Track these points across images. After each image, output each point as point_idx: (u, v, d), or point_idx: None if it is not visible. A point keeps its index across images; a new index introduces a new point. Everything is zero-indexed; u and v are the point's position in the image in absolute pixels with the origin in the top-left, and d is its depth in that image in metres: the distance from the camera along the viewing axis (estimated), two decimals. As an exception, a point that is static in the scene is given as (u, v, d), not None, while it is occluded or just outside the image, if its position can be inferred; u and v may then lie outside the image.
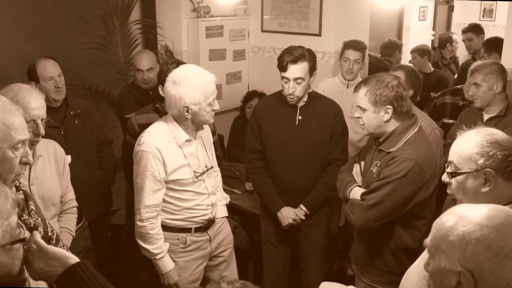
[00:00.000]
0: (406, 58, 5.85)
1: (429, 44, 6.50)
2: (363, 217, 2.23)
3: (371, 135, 2.35)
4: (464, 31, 5.23)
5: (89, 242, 2.75)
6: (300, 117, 2.80)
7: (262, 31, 4.55)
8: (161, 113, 2.73)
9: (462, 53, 5.83)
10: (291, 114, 2.81)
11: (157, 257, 2.42)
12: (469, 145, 1.57)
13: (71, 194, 2.47)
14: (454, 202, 1.67)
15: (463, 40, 5.25)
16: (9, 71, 3.42)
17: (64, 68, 2.94)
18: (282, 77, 2.72)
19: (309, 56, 2.70)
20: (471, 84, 2.95)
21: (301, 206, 2.88)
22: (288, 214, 2.88)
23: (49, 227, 1.84)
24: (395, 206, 2.17)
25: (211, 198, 2.55)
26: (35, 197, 2.04)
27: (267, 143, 2.89)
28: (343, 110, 2.96)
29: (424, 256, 1.53)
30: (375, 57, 4.93)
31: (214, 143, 2.76)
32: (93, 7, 4.13)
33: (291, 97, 2.73)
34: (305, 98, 2.80)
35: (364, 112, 2.25)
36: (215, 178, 2.68)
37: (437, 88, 4.30)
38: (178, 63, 2.65)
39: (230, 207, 3.01)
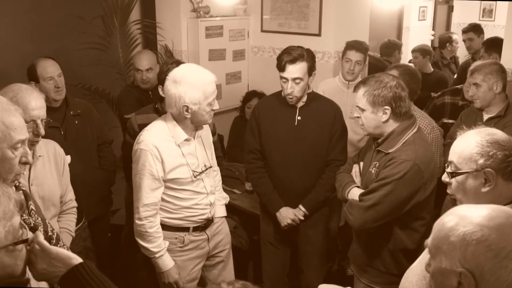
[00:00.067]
0: (405, 58, 5.86)
1: (429, 44, 6.50)
2: (361, 218, 2.23)
3: (371, 135, 2.35)
4: (464, 31, 5.23)
5: (89, 242, 2.75)
6: (299, 118, 2.80)
7: (262, 31, 4.55)
8: (161, 114, 2.73)
9: (462, 53, 5.83)
10: (290, 115, 2.81)
11: (157, 255, 2.42)
12: (469, 145, 1.57)
13: (70, 195, 2.46)
14: (453, 202, 1.68)
15: (464, 40, 5.25)
16: (9, 71, 3.42)
17: (64, 68, 2.94)
18: (281, 77, 2.73)
19: (308, 56, 2.70)
20: (471, 84, 2.95)
21: (300, 206, 2.88)
22: (287, 215, 2.88)
23: (49, 226, 1.84)
24: (393, 207, 2.17)
25: (210, 198, 2.55)
26: (34, 197, 2.04)
27: (267, 143, 2.89)
28: (344, 111, 2.96)
29: (424, 256, 1.53)
30: (374, 57, 4.93)
31: (214, 143, 2.76)
32: (93, 7, 4.12)
33: (290, 97, 2.74)
34: (305, 99, 2.80)
35: (363, 112, 2.25)
36: (214, 178, 2.68)
37: (437, 88, 4.30)
38: (178, 63, 2.65)
39: (230, 207, 3.01)
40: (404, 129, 2.22)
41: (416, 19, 7.22)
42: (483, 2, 7.43)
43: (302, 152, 2.82)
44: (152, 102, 3.10)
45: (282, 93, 2.78)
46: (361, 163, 2.44)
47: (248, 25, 4.65)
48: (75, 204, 2.49)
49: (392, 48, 5.28)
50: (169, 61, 2.90)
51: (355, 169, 2.46)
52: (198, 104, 2.28)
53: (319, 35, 4.11)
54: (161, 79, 2.59)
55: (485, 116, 2.95)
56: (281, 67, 2.70)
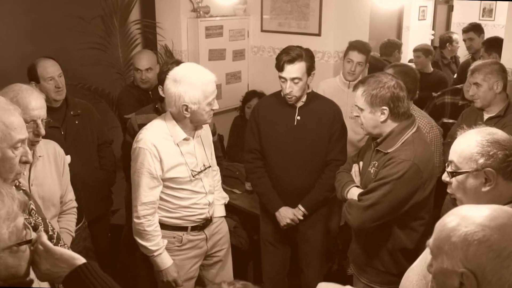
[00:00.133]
0: (405, 57, 5.85)
1: (429, 44, 6.50)
2: (359, 218, 2.23)
3: (370, 135, 2.35)
4: (465, 31, 5.22)
5: (88, 242, 2.76)
6: (298, 117, 2.80)
7: (262, 31, 4.55)
8: (161, 113, 2.73)
9: (462, 53, 5.83)
10: (290, 114, 2.81)
11: (155, 254, 2.42)
12: (470, 144, 1.57)
13: (70, 195, 2.46)
14: (454, 202, 1.68)
15: (464, 40, 5.24)
16: (9, 71, 3.42)
17: (64, 68, 2.94)
18: (280, 77, 2.72)
19: (307, 56, 2.69)
20: (471, 84, 2.94)
21: (300, 206, 2.88)
22: (286, 214, 2.88)
23: (49, 226, 1.84)
24: (392, 206, 2.17)
25: (208, 197, 2.55)
26: (35, 198, 2.04)
27: (266, 143, 2.89)
28: (344, 111, 2.96)
29: (424, 256, 1.53)
30: (374, 56, 4.92)
31: (214, 143, 2.76)
32: (92, 7, 4.12)
33: (289, 96, 2.74)
34: (304, 98, 2.80)
35: (362, 112, 2.25)
36: (213, 177, 2.68)
37: (437, 88, 4.30)
38: (178, 63, 2.64)
39: (230, 207, 3.01)
40: (403, 129, 2.22)
41: (416, 19, 7.22)
42: (483, 1, 7.43)
43: (302, 152, 2.82)
44: (152, 102, 3.10)
45: (282, 93, 2.78)
46: (361, 163, 2.44)
47: (248, 25, 4.65)
48: (75, 204, 2.49)
49: (392, 47, 5.27)
50: (169, 61, 2.91)
51: (355, 169, 2.46)
52: (197, 104, 2.28)
53: (319, 35, 4.11)
54: (161, 79, 2.59)
55: (486, 116, 2.95)
56: (279, 67, 2.70)
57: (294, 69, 2.66)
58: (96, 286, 1.27)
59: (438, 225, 1.20)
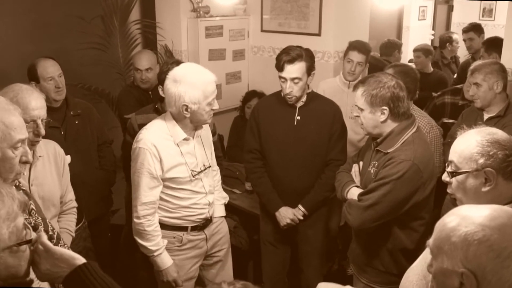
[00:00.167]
0: (405, 57, 5.85)
1: (429, 44, 6.50)
2: (359, 218, 2.23)
3: (370, 135, 2.35)
4: (465, 31, 5.22)
5: (88, 242, 2.75)
6: (298, 117, 2.80)
7: (262, 31, 4.55)
8: (161, 114, 2.73)
9: (462, 53, 5.83)
10: (290, 114, 2.81)
11: (155, 253, 2.42)
12: (470, 144, 1.57)
13: (70, 195, 2.46)
14: (454, 202, 1.68)
15: (464, 40, 5.24)
16: (9, 71, 3.42)
17: (64, 68, 2.94)
18: (280, 77, 2.73)
19: (307, 56, 2.69)
20: (471, 84, 2.94)
21: (299, 206, 2.88)
22: (286, 214, 2.88)
23: (49, 226, 1.84)
24: (391, 207, 2.17)
25: (208, 197, 2.55)
26: (35, 198, 2.04)
27: (266, 143, 2.89)
28: (344, 111, 2.96)
29: (424, 255, 1.53)
30: (374, 56, 4.92)
31: (214, 143, 2.76)
32: (92, 7, 4.13)
33: (289, 96, 2.74)
34: (304, 98, 2.80)
35: (362, 112, 2.25)
36: (213, 177, 2.68)
37: (437, 88, 4.30)
38: (178, 63, 2.64)
39: (230, 207, 3.01)
40: (403, 129, 2.22)
41: (416, 19, 7.23)
42: (483, 1, 7.43)
43: (302, 152, 2.82)
44: (152, 102, 3.10)
45: (282, 93, 2.78)
46: (361, 163, 2.44)
47: (248, 25, 4.65)
48: (75, 204, 2.49)
49: (392, 47, 5.27)
50: (169, 61, 2.91)
51: (355, 169, 2.46)
52: (197, 104, 2.28)
53: (319, 35, 4.11)
54: (161, 79, 2.59)
55: (486, 116, 2.95)
56: (279, 67, 2.70)
57: (294, 69, 2.66)
58: (96, 286, 1.27)
59: (438, 225, 1.20)
